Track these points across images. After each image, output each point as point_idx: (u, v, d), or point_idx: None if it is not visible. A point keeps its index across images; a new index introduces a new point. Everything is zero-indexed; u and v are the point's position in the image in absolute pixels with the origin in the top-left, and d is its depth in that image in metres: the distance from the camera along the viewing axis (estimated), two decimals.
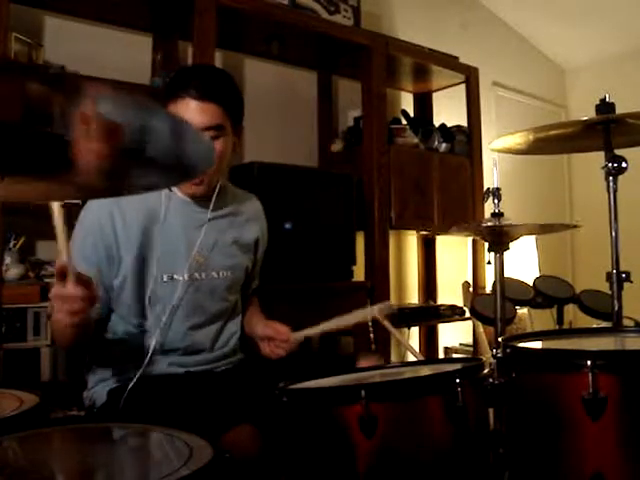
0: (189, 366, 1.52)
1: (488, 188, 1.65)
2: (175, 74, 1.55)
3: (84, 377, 1.57)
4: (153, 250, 1.48)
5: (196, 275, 1.53)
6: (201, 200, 1.55)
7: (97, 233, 1.46)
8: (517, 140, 1.75)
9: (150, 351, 1.46)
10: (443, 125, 3.48)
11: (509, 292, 1.98)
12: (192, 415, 1.16)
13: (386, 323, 1.62)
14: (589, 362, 1.03)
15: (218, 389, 1.48)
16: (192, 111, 1.43)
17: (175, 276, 1.50)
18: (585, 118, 1.60)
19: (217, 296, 1.58)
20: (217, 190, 1.58)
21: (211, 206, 1.56)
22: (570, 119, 4.23)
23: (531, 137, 1.72)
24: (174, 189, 1.53)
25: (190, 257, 1.52)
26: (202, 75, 1.51)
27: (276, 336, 1.59)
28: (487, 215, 1.60)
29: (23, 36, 2.27)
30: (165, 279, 1.49)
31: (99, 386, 1.51)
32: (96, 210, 1.47)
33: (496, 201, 1.60)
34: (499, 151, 1.82)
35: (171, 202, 1.52)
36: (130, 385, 1.40)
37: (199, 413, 1.22)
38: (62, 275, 1.09)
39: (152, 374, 1.46)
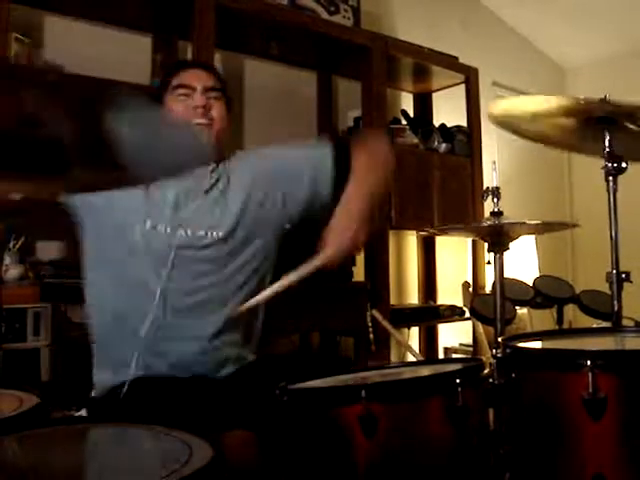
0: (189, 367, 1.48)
1: (487, 187, 1.65)
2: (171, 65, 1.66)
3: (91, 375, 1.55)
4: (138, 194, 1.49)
5: (181, 232, 1.49)
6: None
7: None
8: (517, 106, 1.69)
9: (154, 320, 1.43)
10: (443, 125, 3.48)
11: (509, 292, 1.99)
12: (186, 417, 1.15)
13: (386, 323, 1.62)
14: (589, 362, 1.03)
15: (214, 394, 1.44)
16: (198, 75, 1.59)
17: (159, 227, 1.49)
18: (582, 101, 1.57)
19: (212, 262, 1.52)
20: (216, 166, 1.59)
21: (210, 173, 1.56)
22: None
23: (531, 107, 1.66)
24: None
25: (176, 206, 1.51)
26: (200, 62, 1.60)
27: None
28: (487, 215, 1.60)
29: (23, 36, 2.27)
30: (148, 226, 1.48)
31: (100, 382, 1.51)
32: None
33: (495, 200, 1.60)
34: (498, 120, 1.72)
35: None
36: (129, 379, 1.40)
37: (194, 416, 1.20)
38: None
39: (148, 376, 1.44)
